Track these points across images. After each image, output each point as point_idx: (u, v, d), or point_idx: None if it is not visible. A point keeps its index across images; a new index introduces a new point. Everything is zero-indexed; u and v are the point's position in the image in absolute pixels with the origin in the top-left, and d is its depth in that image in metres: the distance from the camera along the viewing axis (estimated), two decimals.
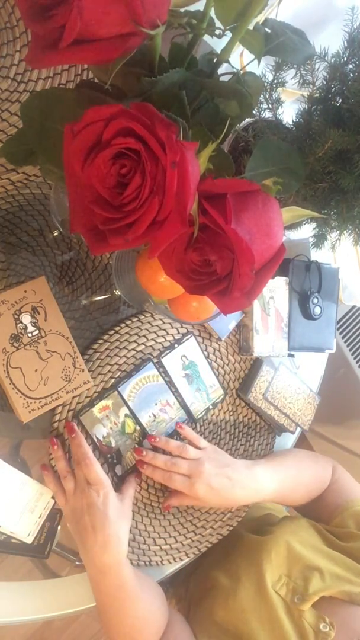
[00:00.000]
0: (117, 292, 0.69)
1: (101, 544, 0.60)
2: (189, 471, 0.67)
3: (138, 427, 0.71)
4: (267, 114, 0.60)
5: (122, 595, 0.62)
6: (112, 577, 0.61)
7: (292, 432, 0.84)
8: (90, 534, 0.60)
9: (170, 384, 0.75)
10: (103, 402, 0.69)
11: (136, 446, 0.71)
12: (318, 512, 0.80)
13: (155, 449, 0.71)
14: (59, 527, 0.66)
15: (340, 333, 1.27)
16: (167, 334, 0.75)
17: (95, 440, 0.68)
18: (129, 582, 0.61)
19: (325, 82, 0.53)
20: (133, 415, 0.71)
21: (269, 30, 0.41)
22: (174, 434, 0.74)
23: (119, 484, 0.69)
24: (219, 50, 0.41)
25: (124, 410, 0.70)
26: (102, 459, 0.69)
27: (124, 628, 0.63)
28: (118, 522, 0.61)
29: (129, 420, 0.71)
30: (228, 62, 0.41)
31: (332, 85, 0.52)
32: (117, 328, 0.72)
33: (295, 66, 0.53)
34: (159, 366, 0.74)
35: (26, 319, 0.63)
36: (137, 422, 0.71)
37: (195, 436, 0.73)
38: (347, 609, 0.62)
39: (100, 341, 0.70)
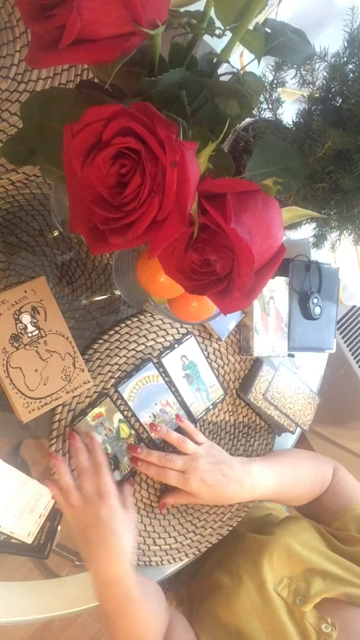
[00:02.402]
0: (117, 292, 0.69)
1: (106, 556, 0.60)
2: (183, 467, 0.68)
3: (133, 432, 0.71)
4: (267, 114, 0.60)
5: (127, 604, 0.61)
6: (117, 587, 0.61)
7: (292, 432, 0.84)
8: (95, 546, 0.61)
9: (170, 384, 0.74)
10: (96, 410, 0.69)
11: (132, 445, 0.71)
12: (319, 513, 0.80)
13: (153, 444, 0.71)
14: (59, 527, 0.66)
15: (340, 333, 1.27)
16: (167, 334, 0.75)
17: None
18: (133, 590, 0.61)
19: (325, 82, 0.53)
20: (129, 419, 0.71)
21: (269, 30, 0.41)
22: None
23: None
24: (219, 50, 0.41)
25: (118, 416, 0.70)
26: None
27: (128, 634, 0.63)
28: (123, 534, 0.62)
29: (124, 425, 0.71)
30: (228, 62, 0.41)
31: (332, 85, 0.52)
32: (117, 328, 0.72)
33: (295, 66, 0.53)
34: (159, 366, 0.74)
35: (26, 319, 0.63)
36: (132, 426, 0.71)
37: (194, 430, 0.73)
38: (349, 610, 0.63)
39: (100, 341, 0.70)
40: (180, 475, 0.68)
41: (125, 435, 0.71)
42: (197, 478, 0.67)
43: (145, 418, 0.72)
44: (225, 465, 0.70)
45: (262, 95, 0.58)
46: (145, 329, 0.74)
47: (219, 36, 0.38)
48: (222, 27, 0.37)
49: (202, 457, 0.69)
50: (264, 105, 0.59)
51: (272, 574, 0.68)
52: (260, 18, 0.40)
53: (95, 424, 0.69)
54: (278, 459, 0.78)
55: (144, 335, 0.74)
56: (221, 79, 0.42)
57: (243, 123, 0.67)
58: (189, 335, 0.76)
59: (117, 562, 0.60)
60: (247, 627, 0.64)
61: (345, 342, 1.27)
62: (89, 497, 0.63)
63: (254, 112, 0.60)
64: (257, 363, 0.81)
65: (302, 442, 1.65)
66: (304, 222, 0.64)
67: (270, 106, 0.59)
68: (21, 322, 0.62)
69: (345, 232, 0.59)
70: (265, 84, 0.57)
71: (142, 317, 0.74)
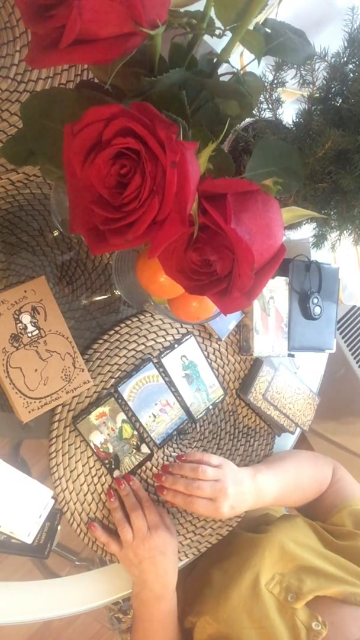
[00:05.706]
0: (117, 292, 0.69)
1: (162, 576, 0.67)
2: (212, 494, 0.65)
3: (135, 432, 0.71)
4: (267, 114, 0.60)
5: (170, 618, 0.69)
6: (166, 604, 0.68)
7: (292, 433, 0.84)
8: (151, 573, 0.66)
9: (170, 384, 0.74)
10: (100, 409, 0.69)
11: (134, 451, 0.71)
12: (316, 509, 0.80)
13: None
14: (59, 527, 0.66)
15: (340, 333, 1.27)
16: (167, 334, 0.75)
17: (93, 447, 0.68)
18: (175, 610, 0.69)
19: (325, 82, 0.53)
20: (131, 419, 0.71)
21: (269, 30, 0.41)
22: (174, 435, 0.74)
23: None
24: (219, 50, 0.41)
25: (121, 416, 0.70)
26: (100, 464, 0.69)
27: None
28: (174, 556, 0.69)
29: (127, 425, 0.71)
30: (228, 62, 0.41)
31: (332, 85, 0.52)
32: (117, 328, 0.72)
33: (295, 66, 0.53)
34: (159, 366, 0.74)
35: (26, 318, 0.63)
36: (135, 427, 0.71)
37: (203, 456, 0.70)
38: (341, 608, 0.63)
39: (100, 341, 0.70)
40: (210, 504, 0.65)
41: (128, 435, 0.71)
42: (227, 505, 0.65)
43: (145, 418, 0.72)
44: (244, 484, 0.68)
45: (262, 95, 0.58)
46: (145, 329, 0.74)
47: (219, 36, 0.38)
48: (222, 27, 0.37)
49: (229, 482, 0.66)
50: (264, 105, 0.59)
51: (264, 571, 0.68)
52: (260, 18, 0.40)
53: (98, 423, 0.69)
54: (281, 464, 0.77)
55: (144, 335, 0.74)
56: (221, 79, 0.42)
57: (243, 123, 0.67)
58: (189, 335, 0.76)
59: (171, 584, 0.68)
60: (235, 624, 0.65)
61: (345, 342, 1.27)
62: (138, 532, 0.66)
63: (254, 112, 0.60)
64: (257, 363, 0.81)
65: (302, 442, 1.65)
66: (304, 222, 0.64)
67: (270, 106, 0.59)
68: (21, 322, 0.62)
69: (345, 232, 0.59)
70: (265, 84, 0.57)
71: (142, 317, 0.74)
